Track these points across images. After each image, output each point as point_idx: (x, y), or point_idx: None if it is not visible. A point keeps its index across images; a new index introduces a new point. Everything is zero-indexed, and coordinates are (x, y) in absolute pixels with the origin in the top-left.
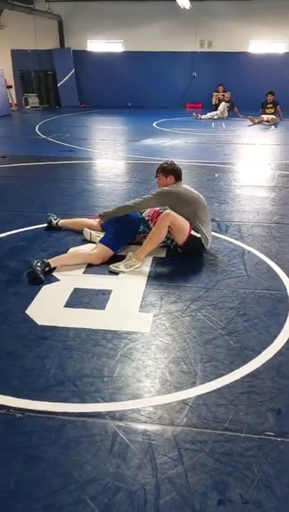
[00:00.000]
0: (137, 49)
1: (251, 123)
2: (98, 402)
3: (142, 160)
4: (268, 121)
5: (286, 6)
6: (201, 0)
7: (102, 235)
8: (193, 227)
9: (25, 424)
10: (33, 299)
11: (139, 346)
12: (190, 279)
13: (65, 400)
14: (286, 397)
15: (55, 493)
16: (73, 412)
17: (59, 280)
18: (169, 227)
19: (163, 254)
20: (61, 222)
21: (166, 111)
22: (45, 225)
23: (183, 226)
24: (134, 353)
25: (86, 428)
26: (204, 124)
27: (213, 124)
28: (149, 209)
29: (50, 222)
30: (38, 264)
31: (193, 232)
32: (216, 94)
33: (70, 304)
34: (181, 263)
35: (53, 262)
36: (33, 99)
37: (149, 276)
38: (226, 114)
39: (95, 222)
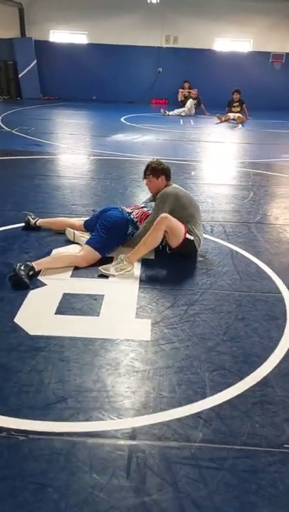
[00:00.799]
0: (101, 41)
1: (219, 121)
2: (105, 419)
3: (114, 156)
4: (234, 119)
5: (251, 5)
6: None
7: (86, 235)
8: (188, 230)
9: (30, 448)
10: (20, 305)
11: (142, 356)
12: (183, 282)
13: (70, 419)
14: None
15: None
16: (80, 432)
17: (46, 285)
18: (165, 231)
19: (152, 256)
20: (40, 221)
21: (132, 106)
22: (23, 224)
23: (179, 230)
24: (136, 363)
25: (97, 449)
26: (172, 120)
27: (181, 120)
28: (137, 210)
29: (28, 222)
30: (22, 267)
31: (187, 235)
32: (182, 90)
33: (61, 310)
34: (172, 265)
35: (36, 265)
36: None
37: (140, 280)
38: (193, 111)
39: (77, 221)
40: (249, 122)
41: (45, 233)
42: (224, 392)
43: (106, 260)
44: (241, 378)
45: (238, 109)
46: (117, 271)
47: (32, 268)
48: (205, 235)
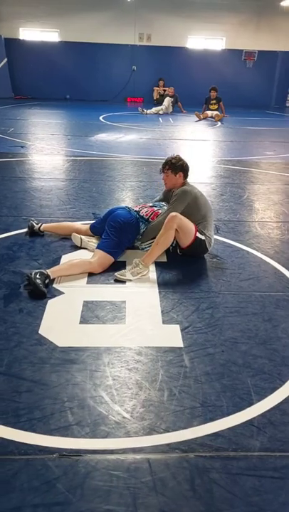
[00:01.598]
0: (74, 39)
1: (197, 118)
2: (162, 432)
3: (102, 156)
4: (212, 117)
5: (223, 3)
6: None
7: (94, 239)
8: (198, 230)
9: (87, 469)
10: (41, 316)
11: (179, 363)
12: (201, 284)
13: (126, 434)
14: None
15: None
16: (136, 448)
17: (63, 293)
18: (176, 230)
19: (164, 259)
20: (44, 226)
21: (107, 104)
22: (25, 230)
23: (190, 229)
24: (175, 371)
25: (157, 465)
26: (151, 119)
27: (160, 119)
28: (146, 208)
29: (31, 227)
30: (38, 276)
31: (198, 235)
32: (157, 88)
33: (86, 319)
34: (185, 267)
35: (51, 272)
36: None
37: (158, 284)
38: (171, 110)
39: (82, 225)
40: (227, 120)
41: (50, 239)
42: (271, 397)
43: (118, 264)
44: (284, 382)
45: (216, 106)
46: (133, 275)
47: (48, 276)
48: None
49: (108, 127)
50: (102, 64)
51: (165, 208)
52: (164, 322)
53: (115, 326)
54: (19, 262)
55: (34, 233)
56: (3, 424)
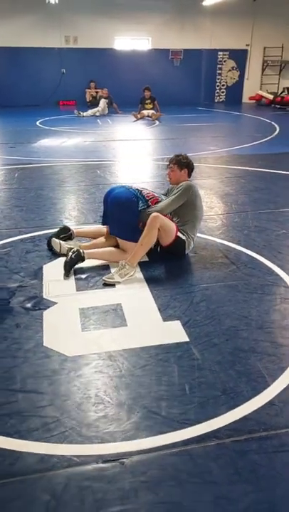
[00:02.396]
0: None
1: (135, 119)
2: (194, 424)
3: (53, 162)
4: (149, 116)
5: (148, 4)
6: None
7: (72, 244)
8: (180, 229)
9: (136, 470)
10: (40, 328)
11: (192, 356)
12: (189, 279)
13: (161, 431)
14: None
15: None
16: (177, 442)
17: (56, 303)
18: (158, 230)
19: (146, 258)
20: (77, 232)
21: (40, 109)
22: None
23: (171, 228)
24: (190, 365)
25: (201, 455)
26: (89, 121)
27: (98, 120)
28: (147, 190)
29: (66, 230)
30: (74, 256)
31: (179, 234)
32: (89, 90)
33: (87, 326)
34: (168, 264)
35: (87, 254)
36: None
37: (148, 283)
38: (107, 111)
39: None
40: (164, 118)
41: (23, 249)
42: (282, 376)
43: (104, 267)
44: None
45: (151, 106)
46: (121, 277)
47: (82, 258)
48: None
49: (48, 132)
50: (30, 68)
51: (164, 198)
52: (164, 319)
53: (118, 329)
54: (1, 276)
55: (66, 237)
56: (37, 441)
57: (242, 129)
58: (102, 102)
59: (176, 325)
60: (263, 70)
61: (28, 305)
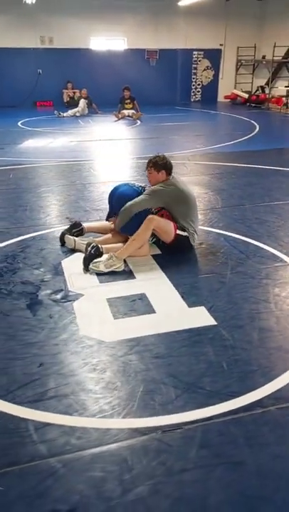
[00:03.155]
0: None
1: (116, 118)
2: (238, 395)
3: (45, 163)
4: (130, 116)
5: (124, 4)
6: None
7: (85, 240)
8: (179, 227)
9: (199, 435)
10: (73, 318)
11: (224, 337)
12: (203, 269)
13: (209, 403)
14: None
15: None
16: (227, 412)
17: (83, 294)
18: (154, 230)
19: (158, 251)
20: (87, 227)
21: (18, 110)
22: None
23: (168, 228)
24: (223, 344)
25: (251, 422)
26: (70, 121)
27: (80, 121)
28: (149, 187)
29: (77, 225)
30: (93, 251)
31: (179, 232)
32: (66, 91)
33: (118, 315)
34: (180, 255)
35: (106, 249)
36: None
37: (165, 273)
38: (86, 111)
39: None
40: (143, 118)
41: (36, 246)
42: None
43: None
44: None
45: (131, 105)
46: (106, 267)
47: (100, 253)
48: None
49: (33, 133)
50: (5, 69)
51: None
52: (189, 306)
53: (148, 316)
54: (22, 272)
55: (78, 233)
56: (94, 417)
57: (223, 128)
58: (82, 102)
59: (202, 310)
60: (237, 69)
61: (57, 297)
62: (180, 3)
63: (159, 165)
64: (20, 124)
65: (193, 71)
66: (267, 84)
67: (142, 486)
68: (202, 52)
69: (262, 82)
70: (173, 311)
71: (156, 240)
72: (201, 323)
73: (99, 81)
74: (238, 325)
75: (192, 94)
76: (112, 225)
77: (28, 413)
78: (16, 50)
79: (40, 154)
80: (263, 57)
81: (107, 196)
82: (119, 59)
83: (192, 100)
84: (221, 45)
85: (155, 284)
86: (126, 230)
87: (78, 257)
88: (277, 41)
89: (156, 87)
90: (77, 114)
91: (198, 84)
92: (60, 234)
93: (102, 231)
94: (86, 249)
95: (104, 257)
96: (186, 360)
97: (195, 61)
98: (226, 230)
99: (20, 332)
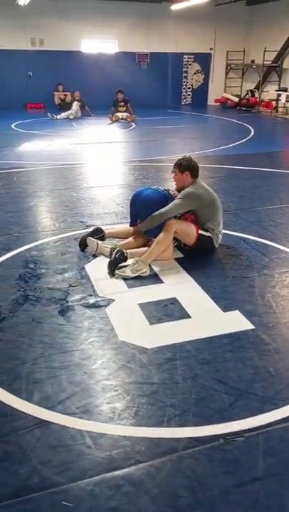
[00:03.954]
0: None
1: (110, 121)
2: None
3: (46, 166)
4: (124, 118)
5: (114, 7)
6: None
7: (108, 245)
8: (202, 227)
9: (261, 442)
10: (108, 324)
11: (264, 341)
12: (228, 272)
13: (265, 409)
14: None
15: None
16: (279, 420)
17: (113, 300)
18: (176, 233)
19: (181, 255)
20: (108, 232)
21: (9, 112)
22: (24, 247)
23: (189, 230)
24: (266, 349)
25: None
26: (64, 124)
27: (74, 123)
28: (172, 191)
29: (99, 232)
30: (118, 255)
31: (201, 232)
32: (57, 93)
33: (153, 320)
34: (203, 258)
35: (130, 253)
36: None
37: (192, 277)
38: (80, 114)
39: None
40: (137, 120)
41: (54, 251)
42: None
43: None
44: None
45: (124, 108)
46: (133, 272)
47: (125, 258)
48: None
49: (28, 136)
50: None
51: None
52: (223, 310)
53: (184, 321)
54: (47, 279)
55: (99, 239)
56: (153, 427)
57: (218, 131)
58: (75, 105)
59: (237, 314)
60: (227, 73)
61: (88, 303)
62: (173, 8)
63: (183, 166)
64: (14, 126)
65: (183, 75)
66: (256, 88)
67: (213, 496)
68: (192, 56)
69: (251, 86)
70: (208, 316)
71: (178, 244)
72: (239, 328)
73: (90, 83)
74: (278, 328)
75: (183, 97)
76: (134, 229)
77: (81, 424)
78: (6, 52)
79: (40, 157)
80: (252, 61)
81: (117, 200)
82: (111, 62)
83: (183, 103)
84: (210, 49)
85: (184, 288)
86: (150, 232)
87: (101, 262)
88: (265, 46)
89: (148, 90)
90: (71, 117)
91: (189, 88)
92: (80, 238)
93: (122, 235)
94: (111, 254)
95: (130, 261)
96: (233, 365)
97: (185, 65)
98: (243, 232)
99: (57, 340)
